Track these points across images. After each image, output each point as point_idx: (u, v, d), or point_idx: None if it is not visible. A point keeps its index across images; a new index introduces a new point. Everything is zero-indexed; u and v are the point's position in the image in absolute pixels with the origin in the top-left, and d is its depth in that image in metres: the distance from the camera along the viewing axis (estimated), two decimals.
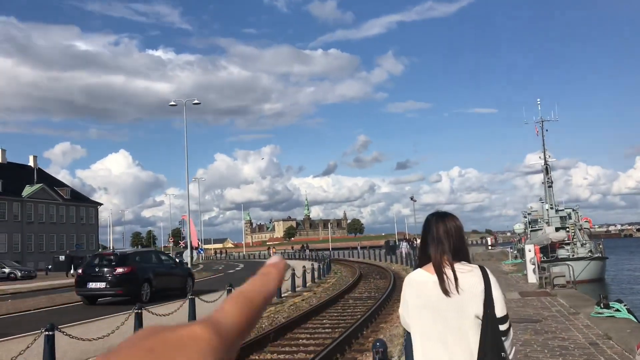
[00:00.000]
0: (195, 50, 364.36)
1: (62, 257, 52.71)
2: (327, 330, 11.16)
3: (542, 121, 39.03)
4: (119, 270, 16.67)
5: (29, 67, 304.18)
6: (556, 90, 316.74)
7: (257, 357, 8.76)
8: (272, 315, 13.02)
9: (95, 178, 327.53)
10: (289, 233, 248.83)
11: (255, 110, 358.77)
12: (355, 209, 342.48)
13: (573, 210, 37.10)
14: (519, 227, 40.44)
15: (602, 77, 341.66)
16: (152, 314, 10.25)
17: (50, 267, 52.26)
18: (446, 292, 2.36)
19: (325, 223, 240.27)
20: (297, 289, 18.59)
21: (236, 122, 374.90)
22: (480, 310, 2.35)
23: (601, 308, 9.50)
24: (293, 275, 18.67)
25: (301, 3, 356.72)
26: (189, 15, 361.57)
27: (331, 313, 13.70)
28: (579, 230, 34.72)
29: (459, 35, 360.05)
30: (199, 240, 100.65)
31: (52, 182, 73.83)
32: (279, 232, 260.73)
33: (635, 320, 8.98)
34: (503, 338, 2.36)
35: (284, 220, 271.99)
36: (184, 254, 38.96)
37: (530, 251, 17.94)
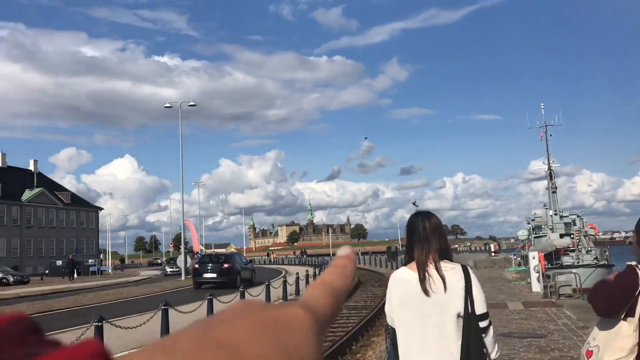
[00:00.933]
0: (201, 56, 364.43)
1: (59, 262, 52.08)
2: None
3: (546, 126, 38.37)
4: (225, 265, 24.14)
5: (36, 73, 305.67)
6: (560, 97, 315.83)
7: None
8: None
9: (101, 183, 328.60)
10: (292, 238, 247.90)
11: (260, 116, 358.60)
12: (359, 214, 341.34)
13: (578, 216, 36.23)
14: (522, 234, 39.62)
15: (607, 84, 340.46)
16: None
17: (47, 272, 51.59)
18: (426, 291, 2.40)
19: (328, 228, 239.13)
20: (289, 297, 17.77)
21: (241, 127, 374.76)
22: (461, 308, 2.41)
23: None
24: (285, 282, 17.95)
25: (306, 10, 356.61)
26: (195, 22, 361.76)
27: None
28: (584, 237, 33.86)
29: (463, 43, 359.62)
30: (200, 245, 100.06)
31: (52, 187, 73.35)
32: (282, 237, 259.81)
33: None
34: (483, 335, 2.41)
35: (287, 225, 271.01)
36: (177, 260, 38.21)
37: (534, 258, 17.15)
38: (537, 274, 16.59)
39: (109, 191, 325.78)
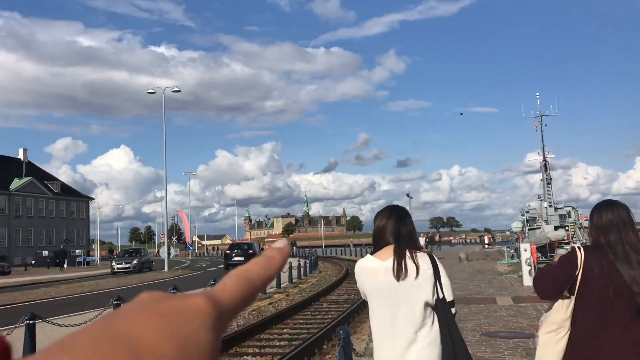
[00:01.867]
0: (198, 47, 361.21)
1: (45, 252, 51.18)
2: (282, 343, 9.52)
3: (541, 116, 37.36)
4: (250, 251, 33.51)
5: (31, 62, 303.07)
6: (556, 88, 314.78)
7: None
8: None
9: (96, 173, 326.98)
10: (288, 230, 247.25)
11: (256, 107, 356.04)
12: (356, 206, 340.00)
13: (573, 208, 35.50)
14: (516, 226, 38.78)
15: (603, 77, 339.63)
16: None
17: (33, 262, 50.68)
18: (397, 278, 2.45)
19: (324, 220, 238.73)
20: (269, 290, 16.90)
21: (238, 118, 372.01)
22: (430, 296, 2.48)
23: None
24: None
25: (304, 2, 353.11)
26: (192, 12, 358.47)
27: (297, 320, 12.05)
28: (579, 229, 33.17)
29: (460, 35, 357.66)
30: (192, 236, 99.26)
31: (42, 176, 72.30)
32: (278, 228, 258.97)
33: None
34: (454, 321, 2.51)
35: (282, 217, 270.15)
36: (160, 251, 37.32)
37: (525, 250, 16.34)
38: (529, 267, 15.77)
39: (105, 181, 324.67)
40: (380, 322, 2.50)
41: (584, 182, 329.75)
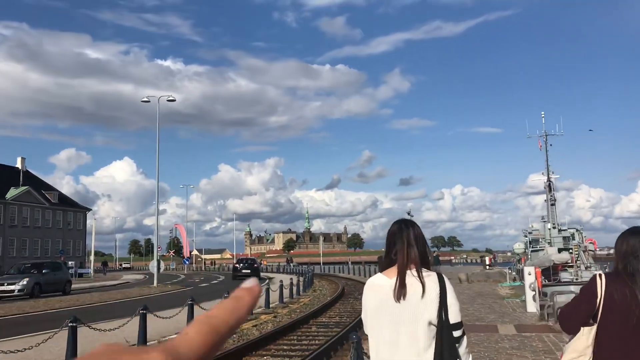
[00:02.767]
0: (204, 61, 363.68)
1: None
2: None
3: (546, 135, 36.71)
4: (255, 265, 42.61)
5: (38, 73, 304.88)
6: (560, 111, 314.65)
7: None
8: None
9: (99, 185, 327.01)
10: (289, 245, 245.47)
11: (261, 122, 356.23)
12: (357, 223, 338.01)
13: (577, 230, 34.56)
14: (518, 247, 37.78)
15: (606, 99, 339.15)
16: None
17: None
18: (399, 298, 2.37)
19: (325, 236, 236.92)
20: (256, 311, 15.90)
21: (241, 133, 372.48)
22: (434, 316, 2.38)
23: None
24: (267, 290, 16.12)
25: (310, 19, 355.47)
26: (199, 27, 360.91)
27: (280, 346, 11.07)
28: (583, 252, 32.17)
29: (465, 55, 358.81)
30: (191, 250, 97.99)
31: (40, 185, 71.56)
32: (279, 244, 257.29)
33: None
34: (457, 345, 2.37)
35: (283, 232, 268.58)
36: (149, 265, 36.27)
37: (530, 274, 15.36)
38: (533, 292, 14.79)
39: (107, 193, 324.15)
40: (382, 340, 2.42)
41: (586, 204, 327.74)
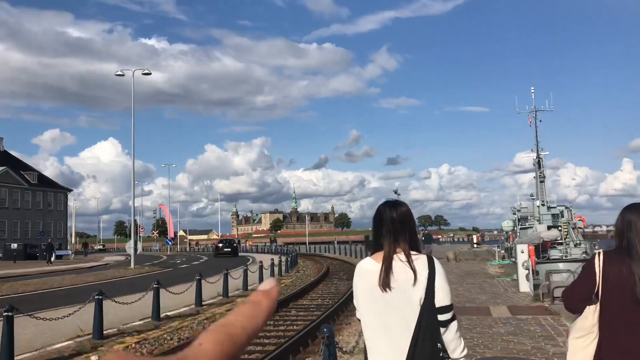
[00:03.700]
0: (189, 40, 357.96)
1: (14, 245, 48.80)
2: None
3: (536, 111, 35.80)
4: (234, 244, 49.27)
5: (19, 52, 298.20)
6: (548, 87, 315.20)
7: None
8: (165, 336, 9.43)
9: (84, 166, 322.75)
10: (276, 226, 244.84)
11: (247, 102, 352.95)
12: (345, 203, 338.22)
13: (566, 207, 34.07)
14: (507, 224, 37.19)
15: (593, 79, 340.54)
16: None
17: (0, 255, 48.32)
18: (387, 283, 2.29)
19: (312, 216, 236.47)
20: (232, 294, 14.92)
21: (228, 113, 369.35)
22: (422, 300, 2.32)
23: None
24: (245, 271, 15.18)
25: None
26: (184, 5, 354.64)
27: None
28: (573, 229, 31.71)
29: (453, 33, 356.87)
30: (177, 231, 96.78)
31: (19, 166, 69.83)
32: (266, 224, 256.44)
33: None
34: (442, 329, 2.27)
35: (270, 212, 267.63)
36: (126, 246, 35.12)
37: (523, 252, 14.54)
38: (527, 272, 13.98)
39: (92, 174, 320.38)
40: (375, 326, 2.33)
41: (572, 182, 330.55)
